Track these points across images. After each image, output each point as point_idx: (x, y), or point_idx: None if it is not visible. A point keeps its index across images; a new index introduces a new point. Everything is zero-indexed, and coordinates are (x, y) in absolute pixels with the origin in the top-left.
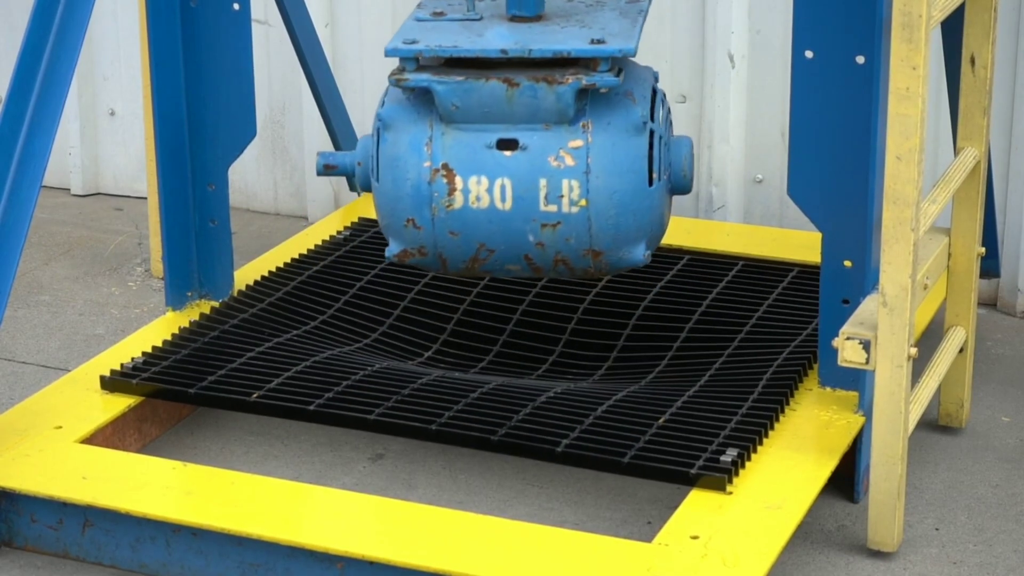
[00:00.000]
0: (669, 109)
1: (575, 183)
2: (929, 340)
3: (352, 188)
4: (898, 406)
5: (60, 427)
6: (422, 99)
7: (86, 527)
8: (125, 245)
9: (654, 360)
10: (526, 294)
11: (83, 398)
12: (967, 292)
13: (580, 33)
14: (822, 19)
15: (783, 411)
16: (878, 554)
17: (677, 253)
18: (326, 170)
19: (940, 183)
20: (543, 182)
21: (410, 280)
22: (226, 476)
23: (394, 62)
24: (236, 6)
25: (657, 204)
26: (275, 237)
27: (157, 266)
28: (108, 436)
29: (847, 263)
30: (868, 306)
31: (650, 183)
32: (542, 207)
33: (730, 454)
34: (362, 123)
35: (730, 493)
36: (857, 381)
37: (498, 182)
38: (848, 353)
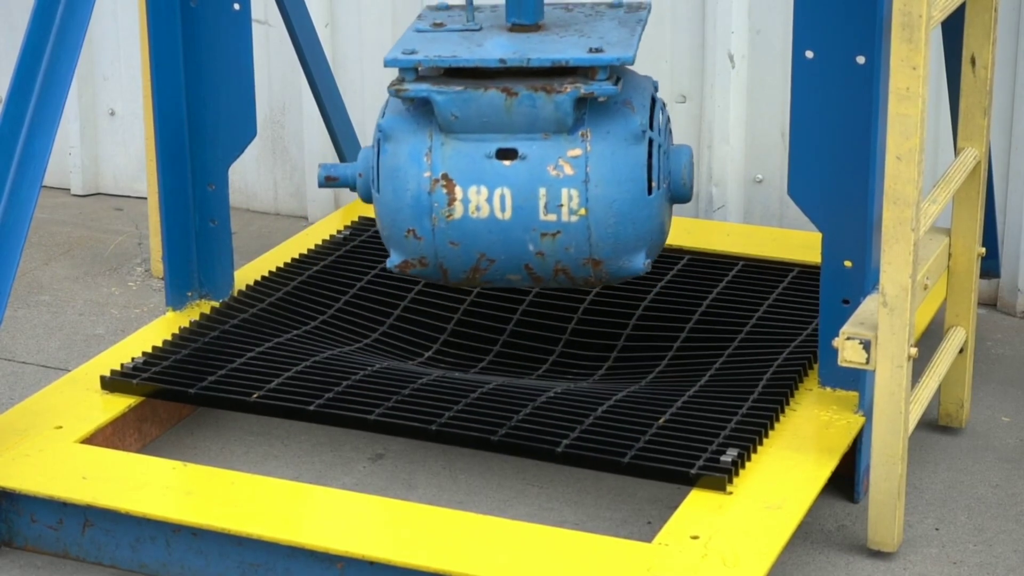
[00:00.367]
0: (669, 117)
1: (574, 192)
2: (929, 340)
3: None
4: (898, 406)
5: (60, 427)
6: (422, 109)
7: (86, 527)
8: (125, 245)
9: (654, 360)
10: (526, 294)
11: (83, 398)
12: (967, 292)
13: (578, 42)
14: (822, 19)
15: (783, 411)
16: (878, 554)
17: (677, 253)
18: (327, 182)
19: (940, 183)
20: (542, 191)
21: (410, 280)
22: (226, 476)
23: (393, 68)
24: (236, 6)
25: (656, 213)
26: (275, 237)
27: (157, 266)
28: (108, 436)
29: (847, 263)
30: (868, 306)
31: (649, 192)
32: (542, 216)
33: (730, 454)
34: (362, 123)
35: (730, 493)
36: (857, 381)
37: (497, 192)
38: (848, 353)
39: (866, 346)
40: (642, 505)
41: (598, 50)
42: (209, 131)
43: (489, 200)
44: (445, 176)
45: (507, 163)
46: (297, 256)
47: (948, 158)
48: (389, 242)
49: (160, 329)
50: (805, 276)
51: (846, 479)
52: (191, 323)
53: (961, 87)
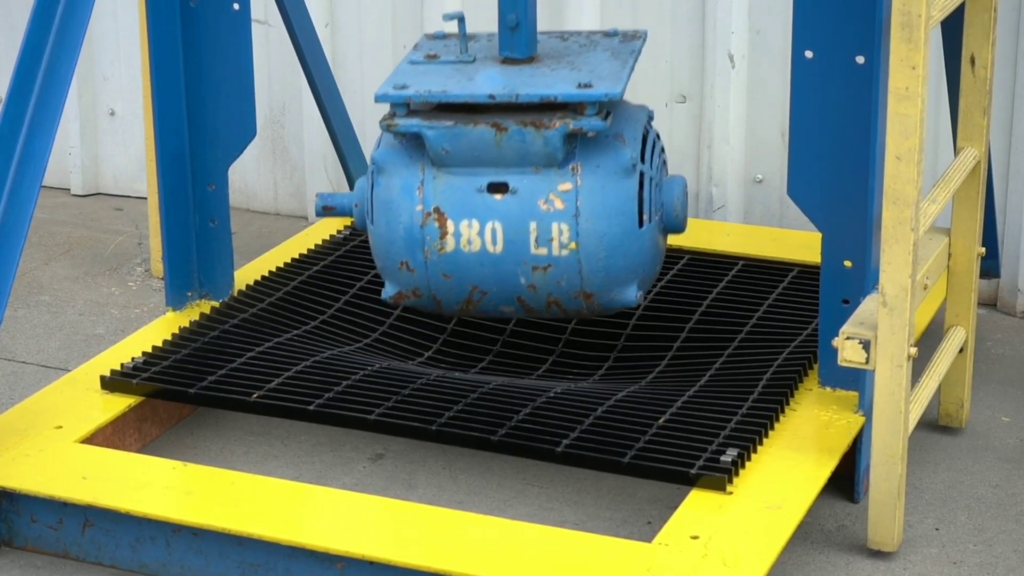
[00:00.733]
0: (663, 148)
1: (564, 226)
2: (929, 340)
3: (351, 185)
4: (898, 406)
5: (60, 427)
6: (414, 143)
7: (86, 527)
8: (125, 245)
9: (654, 360)
10: None
11: (83, 398)
12: (967, 292)
13: (568, 76)
14: (822, 19)
15: (783, 411)
16: (878, 554)
17: (677, 253)
18: (324, 211)
19: (940, 183)
20: (533, 225)
21: None
22: (226, 476)
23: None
24: (236, 6)
25: (648, 246)
26: (275, 237)
27: (157, 266)
28: (108, 436)
29: (847, 263)
30: (868, 306)
31: (640, 225)
32: (532, 250)
33: (730, 454)
34: (362, 123)
35: (730, 493)
36: (857, 381)
37: (489, 225)
38: (848, 353)
39: (866, 346)
40: (642, 505)
41: (587, 85)
42: (209, 131)
43: (480, 234)
44: (437, 209)
45: (498, 197)
46: (297, 256)
47: (948, 158)
48: (383, 273)
49: (160, 329)
50: (805, 276)
51: (846, 479)
52: (191, 323)
53: (961, 87)
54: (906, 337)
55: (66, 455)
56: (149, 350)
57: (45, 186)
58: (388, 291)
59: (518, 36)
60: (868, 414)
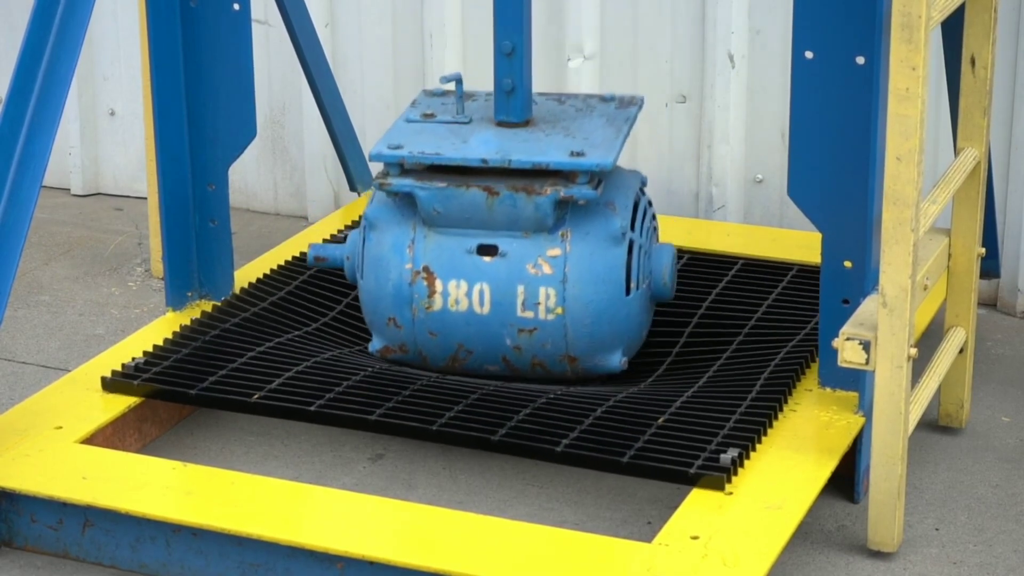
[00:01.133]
0: (654, 215)
1: (552, 291)
2: (929, 340)
3: (352, 189)
4: (898, 406)
5: (60, 427)
6: (406, 201)
7: (86, 527)
8: (125, 245)
9: (654, 360)
10: None
11: (83, 398)
12: (967, 292)
13: (562, 143)
14: (822, 19)
15: (782, 410)
16: (878, 554)
17: (677, 253)
18: (316, 262)
19: (940, 183)
20: (521, 288)
21: None
22: (226, 476)
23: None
24: (236, 6)
25: (635, 313)
26: (275, 237)
27: (157, 266)
28: (108, 436)
29: (847, 263)
30: (868, 306)
31: (627, 293)
32: (519, 313)
33: (730, 454)
34: (362, 123)
35: (730, 493)
36: (857, 381)
37: (477, 287)
38: (848, 353)
39: (866, 346)
40: (642, 505)
41: (580, 153)
42: (209, 131)
43: (468, 294)
44: (426, 268)
45: (487, 259)
46: (297, 256)
47: (948, 158)
48: (371, 327)
49: (160, 329)
50: (805, 276)
51: (846, 479)
52: (191, 323)
53: (961, 87)
54: (906, 338)
55: (66, 455)
56: (149, 350)
57: (45, 186)
58: (375, 344)
59: (513, 101)
60: (868, 414)
